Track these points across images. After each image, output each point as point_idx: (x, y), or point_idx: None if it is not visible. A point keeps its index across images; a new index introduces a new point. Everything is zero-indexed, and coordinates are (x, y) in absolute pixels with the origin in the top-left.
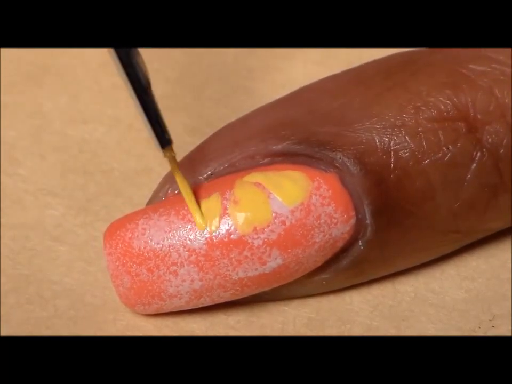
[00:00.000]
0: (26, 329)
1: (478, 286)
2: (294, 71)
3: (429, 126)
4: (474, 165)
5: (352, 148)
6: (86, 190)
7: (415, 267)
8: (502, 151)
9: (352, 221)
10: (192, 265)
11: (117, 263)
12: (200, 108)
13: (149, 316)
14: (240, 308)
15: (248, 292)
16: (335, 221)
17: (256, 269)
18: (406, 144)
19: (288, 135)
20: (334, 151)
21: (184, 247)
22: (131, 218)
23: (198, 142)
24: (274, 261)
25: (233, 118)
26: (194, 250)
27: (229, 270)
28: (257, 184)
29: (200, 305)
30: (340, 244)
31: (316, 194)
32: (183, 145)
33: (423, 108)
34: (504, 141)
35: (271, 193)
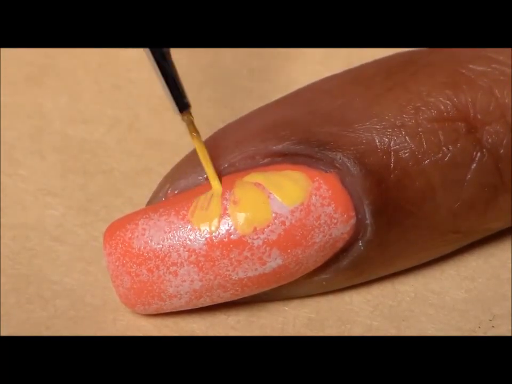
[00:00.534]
0: (26, 329)
1: (478, 286)
2: (294, 71)
3: (429, 126)
4: (474, 165)
5: (352, 148)
6: (86, 190)
7: (415, 267)
8: (502, 151)
9: (352, 221)
10: (192, 266)
11: (117, 263)
12: (200, 108)
13: (149, 315)
14: (240, 308)
15: (248, 292)
16: (335, 221)
17: (256, 269)
18: (406, 144)
19: (288, 135)
20: (334, 151)
21: (184, 247)
22: (131, 218)
23: None
24: (274, 261)
25: (233, 118)
26: (194, 250)
27: (228, 270)
28: (257, 184)
29: (200, 305)
30: (340, 244)
31: (315, 195)
32: (183, 145)
33: (423, 108)
34: (504, 141)
35: (271, 193)
